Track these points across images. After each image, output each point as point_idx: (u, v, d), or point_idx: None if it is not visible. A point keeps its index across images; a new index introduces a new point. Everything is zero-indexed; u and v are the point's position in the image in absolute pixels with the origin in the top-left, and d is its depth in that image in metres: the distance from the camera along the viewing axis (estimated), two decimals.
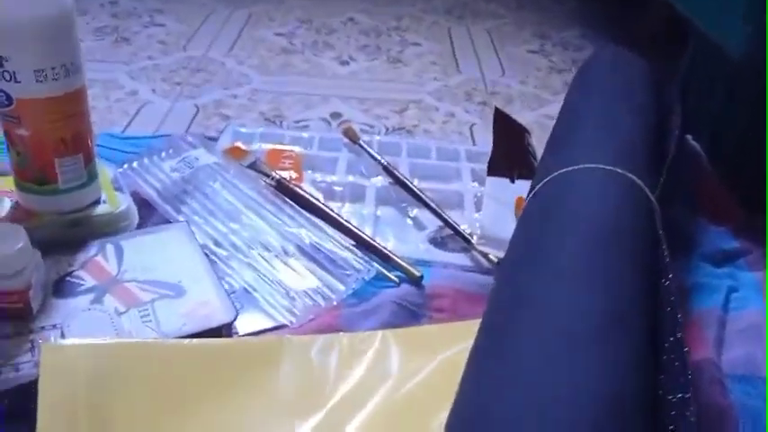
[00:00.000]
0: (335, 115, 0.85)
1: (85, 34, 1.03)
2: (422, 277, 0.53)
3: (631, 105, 0.57)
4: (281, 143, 0.72)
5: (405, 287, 0.53)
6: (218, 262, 0.54)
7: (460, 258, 0.58)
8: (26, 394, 0.39)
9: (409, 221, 0.62)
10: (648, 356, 0.36)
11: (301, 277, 0.53)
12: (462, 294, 0.53)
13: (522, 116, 0.85)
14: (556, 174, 0.48)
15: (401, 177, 0.66)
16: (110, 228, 0.54)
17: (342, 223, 0.58)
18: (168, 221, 0.57)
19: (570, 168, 0.48)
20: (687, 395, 0.32)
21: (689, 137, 0.68)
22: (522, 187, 0.58)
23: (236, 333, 0.48)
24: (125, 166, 0.64)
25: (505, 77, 1.00)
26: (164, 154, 0.65)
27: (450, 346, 0.46)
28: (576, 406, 0.32)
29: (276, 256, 0.55)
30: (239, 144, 0.70)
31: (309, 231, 0.57)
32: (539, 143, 0.70)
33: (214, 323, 0.46)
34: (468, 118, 0.87)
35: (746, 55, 0.56)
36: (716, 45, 0.62)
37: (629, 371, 0.34)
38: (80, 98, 0.51)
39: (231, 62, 0.99)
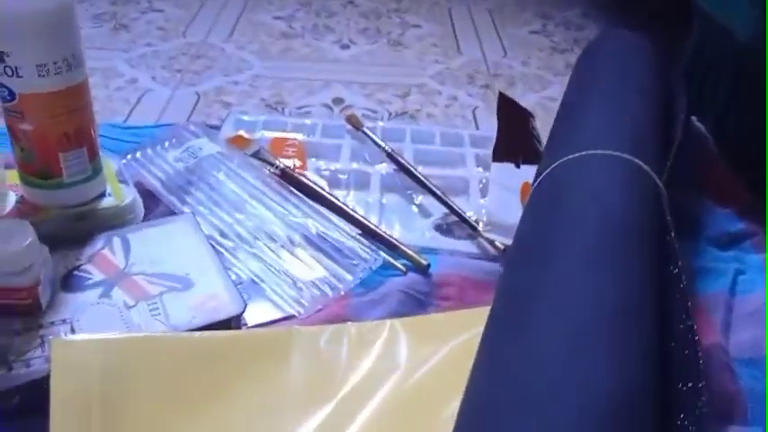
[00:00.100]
0: (338, 101, 0.85)
1: (84, 21, 1.03)
2: (429, 266, 0.53)
3: (638, 88, 0.57)
4: (284, 131, 0.72)
5: (412, 276, 0.53)
6: (224, 253, 0.54)
7: (467, 245, 0.58)
8: (38, 390, 0.39)
9: (415, 209, 0.62)
10: (658, 346, 0.36)
11: (308, 267, 0.53)
12: (469, 282, 0.53)
13: (525, 99, 0.85)
14: (562, 160, 0.48)
15: (406, 164, 0.65)
16: (116, 221, 0.54)
17: (347, 212, 0.58)
18: (173, 213, 0.57)
19: (577, 155, 0.48)
20: (700, 384, 0.32)
21: (694, 118, 0.68)
22: (528, 173, 0.58)
23: (245, 324, 0.48)
24: (128, 156, 0.64)
25: (507, 58, 0.99)
26: (167, 144, 0.65)
27: (459, 334, 0.46)
28: (588, 396, 0.32)
29: (282, 246, 0.54)
30: (242, 133, 0.70)
31: (315, 221, 0.57)
32: (542, 126, 0.70)
33: (223, 316, 0.46)
34: (471, 101, 0.86)
35: (753, 38, 0.56)
36: (721, 26, 0.61)
37: (639, 362, 0.34)
38: (83, 91, 0.50)
39: (231, 48, 0.98)
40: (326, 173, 0.65)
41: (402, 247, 0.55)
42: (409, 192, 0.64)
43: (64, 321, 0.44)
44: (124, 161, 0.62)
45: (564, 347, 0.34)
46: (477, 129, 0.80)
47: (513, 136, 0.64)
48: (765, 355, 0.47)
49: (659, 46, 0.64)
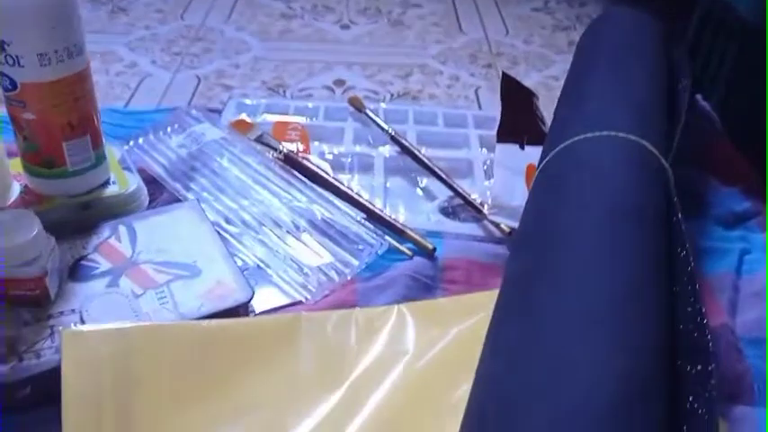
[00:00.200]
0: (339, 82, 0.84)
1: (82, 4, 1.01)
2: (435, 250, 0.53)
3: (642, 67, 0.56)
4: (286, 114, 0.72)
5: (418, 260, 0.53)
6: (230, 239, 0.54)
7: (472, 228, 0.57)
8: (49, 380, 0.39)
9: (419, 192, 0.62)
10: (667, 329, 0.36)
11: (314, 253, 0.53)
12: (475, 265, 0.53)
13: (528, 78, 0.85)
14: (567, 143, 0.48)
15: (409, 147, 0.65)
16: (121, 209, 0.54)
17: (352, 197, 0.58)
18: (177, 199, 0.57)
19: (582, 136, 0.47)
20: (709, 367, 0.33)
21: (699, 97, 0.68)
22: (533, 154, 0.58)
23: (253, 311, 0.48)
24: (131, 143, 0.63)
25: (509, 37, 0.98)
26: (169, 129, 0.65)
27: (466, 318, 0.46)
28: (596, 381, 0.33)
29: (288, 231, 0.54)
30: (244, 117, 0.69)
31: (320, 206, 0.56)
32: (545, 105, 0.70)
33: (231, 303, 0.46)
34: (473, 81, 0.86)
35: (757, 14, 0.55)
36: (725, 3, 0.61)
37: (648, 345, 0.34)
38: (85, 80, 0.50)
39: (230, 30, 0.97)
40: (330, 156, 0.65)
41: (408, 231, 0.55)
42: (413, 174, 0.64)
43: (73, 311, 0.44)
44: (127, 147, 0.62)
45: (572, 331, 0.35)
46: (480, 109, 0.79)
47: (518, 117, 0.64)
48: (766, 335, 0.47)
49: (663, 23, 0.64)
